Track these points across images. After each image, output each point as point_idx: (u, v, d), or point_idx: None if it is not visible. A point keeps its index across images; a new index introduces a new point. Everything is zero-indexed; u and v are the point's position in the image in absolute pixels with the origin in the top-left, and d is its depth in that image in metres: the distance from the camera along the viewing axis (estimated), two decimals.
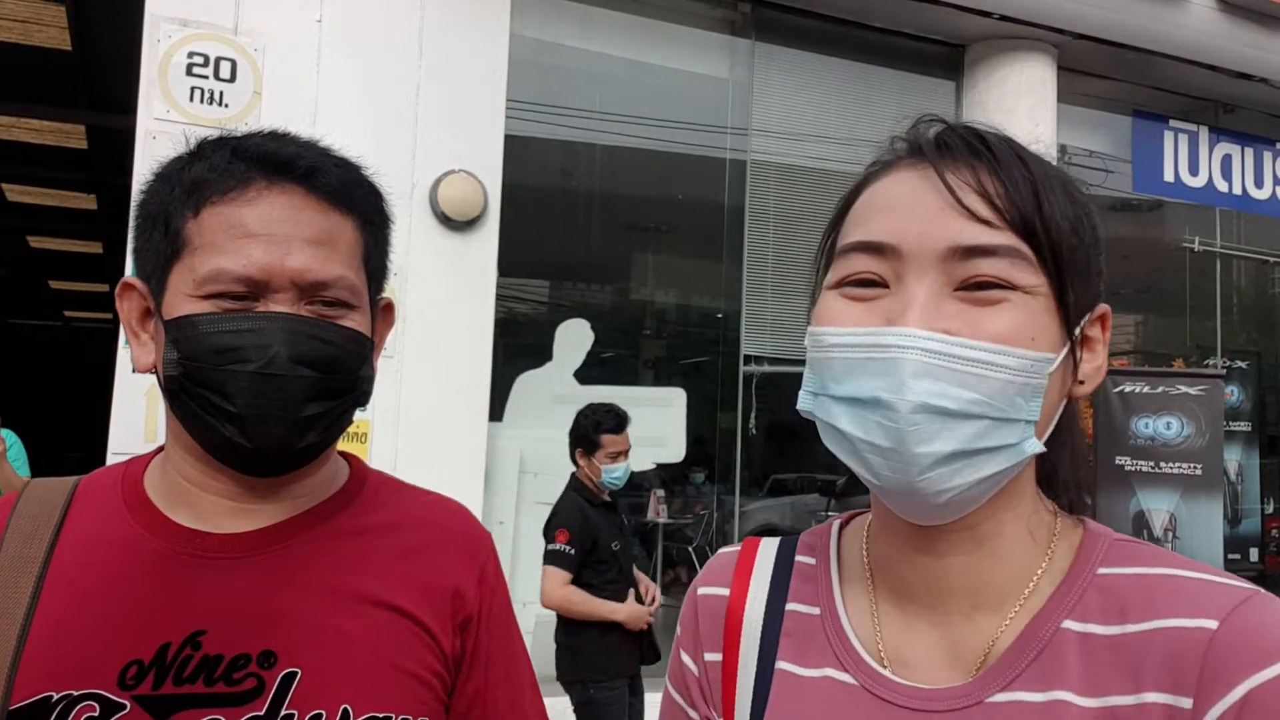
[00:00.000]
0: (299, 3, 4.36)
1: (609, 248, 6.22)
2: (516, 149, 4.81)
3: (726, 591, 0.91)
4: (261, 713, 0.97)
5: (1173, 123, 6.54)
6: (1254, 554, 7.04)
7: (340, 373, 1.00)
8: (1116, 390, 5.92)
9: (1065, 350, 0.77)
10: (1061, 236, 0.76)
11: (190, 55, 4.15)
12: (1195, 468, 5.80)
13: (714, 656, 0.90)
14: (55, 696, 0.94)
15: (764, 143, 5.57)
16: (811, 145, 5.64)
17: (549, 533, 3.75)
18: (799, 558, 0.92)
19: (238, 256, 0.96)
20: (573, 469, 4.09)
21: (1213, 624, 0.71)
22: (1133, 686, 0.72)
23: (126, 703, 0.94)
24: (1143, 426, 5.89)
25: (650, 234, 6.46)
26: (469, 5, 4.65)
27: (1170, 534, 5.81)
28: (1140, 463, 5.86)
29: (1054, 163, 0.82)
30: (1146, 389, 5.92)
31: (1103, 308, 0.82)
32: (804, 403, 0.82)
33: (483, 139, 4.64)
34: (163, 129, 4.07)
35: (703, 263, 6.25)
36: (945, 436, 0.73)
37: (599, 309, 6.21)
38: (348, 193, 1.04)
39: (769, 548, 0.94)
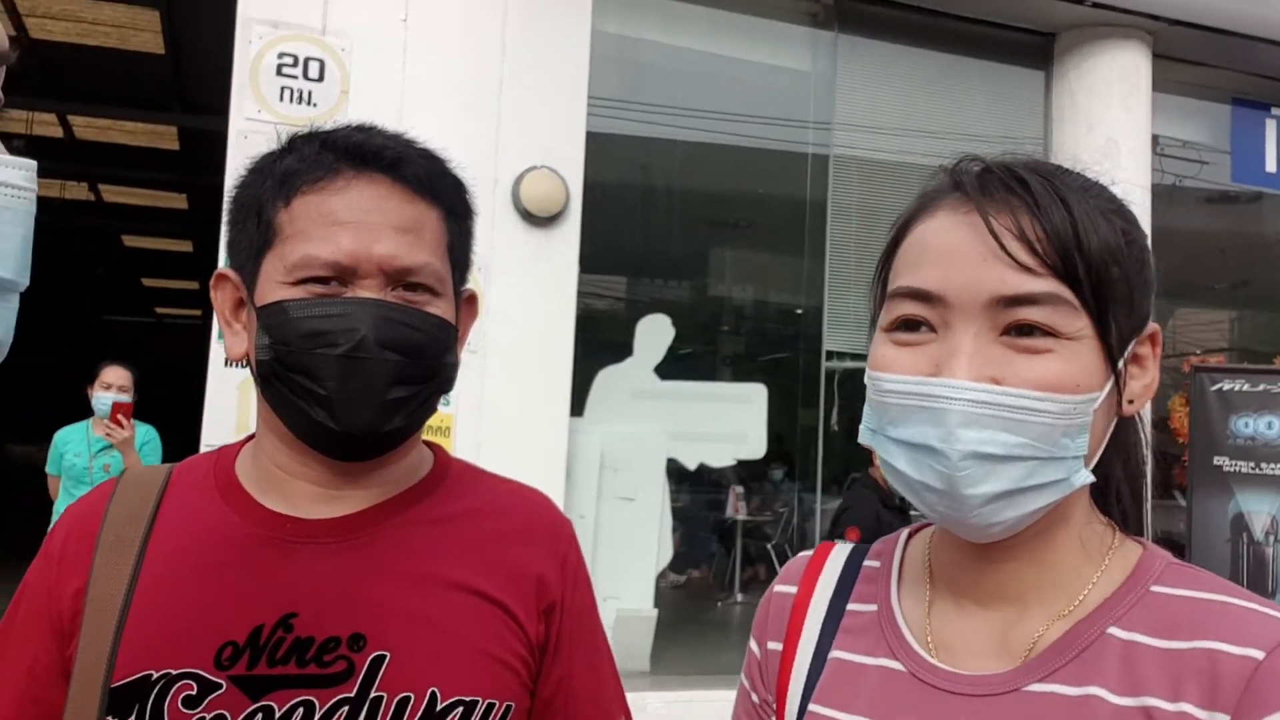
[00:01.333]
0: (385, 3, 4.42)
1: (689, 244, 6.20)
2: (598, 145, 4.82)
3: (795, 589, 0.99)
4: (352, 694, 0.99)
5: (1274, 110, 6.29)
6: None
7: (425, 358, 1.03)
8: (1214, 388, 5.73)
9: (1110, 383, 0.81)
10: (1103, 273, 0.79)
11: (280, 56, 4.24)
12: (1275, 467, 5.59)
13: (775, 645, 0.98)
14: (155, 675, 0.97)
15: (847, 137, 5.49)
16: (896, 139, 5.55)
17: (838, 527, 3.71)
18: (866, 562, 0.99)
19: (327, 243, 0.99)
20: (858, 474, 4.06)
21: (1260, 654, 0.75)
22: (1171, 694, 0.76)
23: (223, 682, 0.97)
24: (1242, 426, 5.69)
25: (731, 230, 6.43)
26: (551, 2, 4.67)
27: (1272, 537, 5.61)
28: (1240, 463, 5.66)
29: (1095, 181, 0.87)
30: (1246, 387, 5.72)
31: (1152, 327, 0.86)
32: (864, 437, 0.88)
33: (565, 135, 4.66)
34: (254, 128, 4.16)
35: (783, 258, 6.20)
36: (994, 479, 0.78)
37: (679, 305, 6.20)
38: (432, 183, 1.06)
39: (840, 553, 1.01)
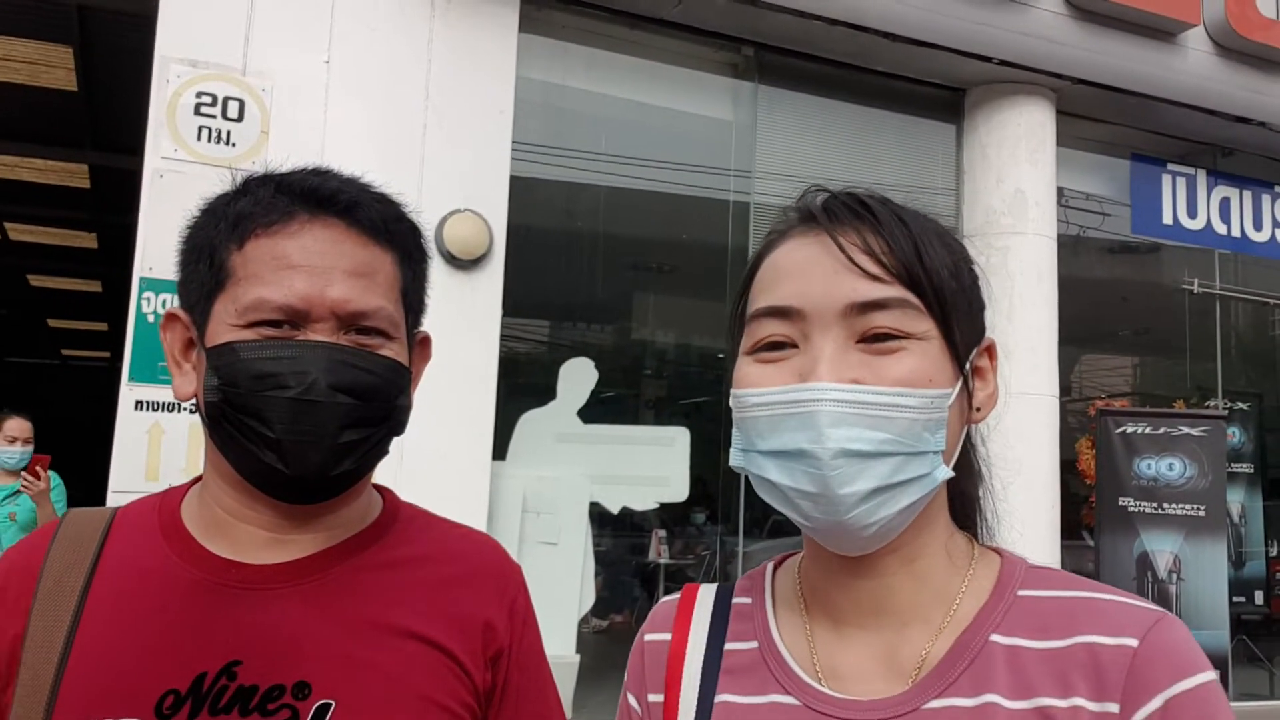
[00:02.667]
0: (307, 44, 4.40)
1: (612, 288, 6.24)
2: (522, 190, 4.84)
3: (668, 636, 0.98)
4: None
5: (1171, 166, 6.60)
6: (1259, 597, 7.01)
7: (377, 401, 1.02)
8: (1119, 431, 5.92)
9: (959, 384, 0.86)
10: (943, 283, 0.85)
11: (199, 95, 4.19)
12: (1199, 509, 5.79)
13: (656, 698, 0.96)
14: None
15: (767, 184, 5.60)
16: None
17: None
18: (736, 599, 0.98)
19: (280, 287, 0.99)
20: None
21: (1133, 642, 0.80)
22: (1062, 691, 0.80)
23: None
24: (1145, 468, 5.89)
25: (653, 274, 6.49)
26: (476, 48, 4.70)
27: (1175, 575, 5.79)
28: (1143, 504, 5.84)
29: (926, 214, 0.92)
30: (1149, 430, 5.92)
31: (988, 340, 0.92)
32: (735, 460, 0.89)
33: (489, 179, 4.67)
34: (170, 167, 4.10)
35: (705, 303, 6.26)
36: (865, 476, 0.81)
37: (601, 348, 6.21)
38: (387, 227, 1.06)
39: (708, 593, 1.00)
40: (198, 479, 1.11)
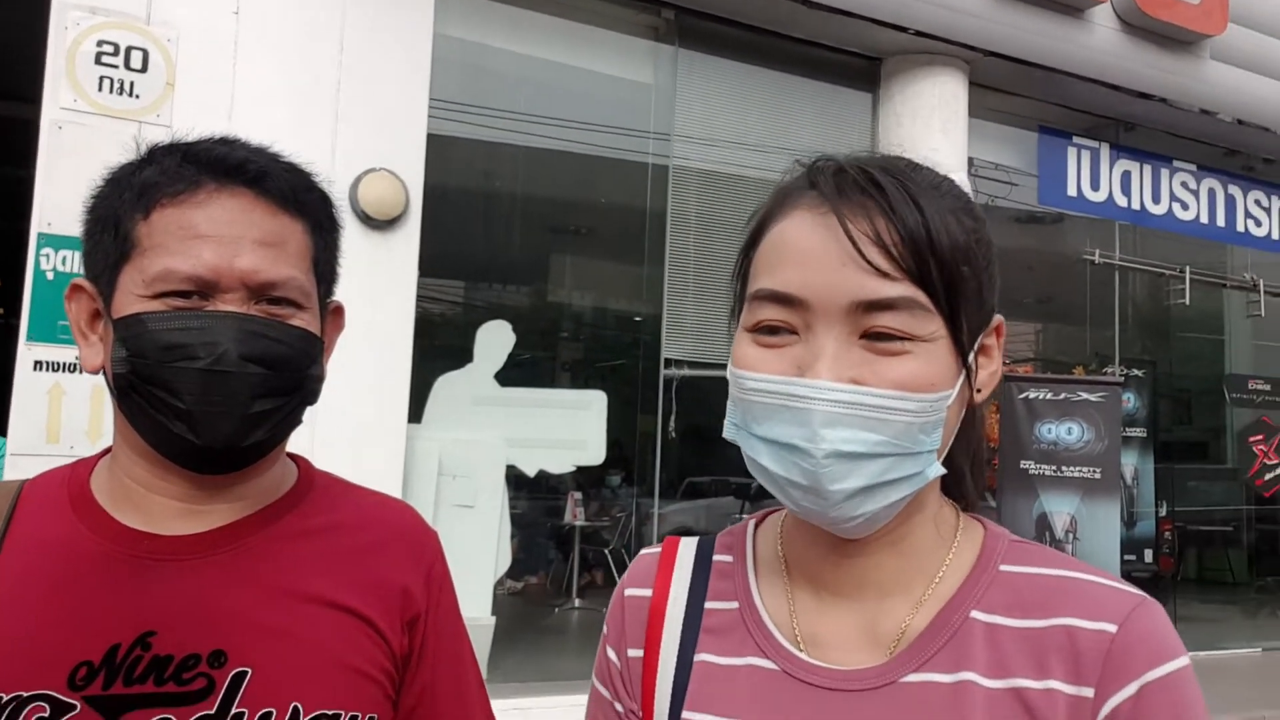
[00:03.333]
0: None
1: (530, 250, 6.21)
2: (439, 149, 4.77)
3: (649, 592, 0.98)
4: (212, 711, 0.98)
5: (1076, 139, 6.78)
6: (1148, 555, 7.34)
7: (288, 370, 1.02)
8: (1021, 396, 6.12)
9: (961, 378, 0.84)
10: (954, 273, 0.82)
11: (99, 44, 4.02)
12: (1095, 471, 6.03)
13: (636, 653, 0.96)
14: (4, 698, 0.94)
15: (686, 148, 5.62)
16: (732, 152, 5.70)
17: None
18: (716, 556, 0.98)
19: (187, 257, 0.98)
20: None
21: (1112, 627, 0.81)
22: (1038, 673, 0.81)
23: (76, 703, 0.95)
24: (1045, 432, 6.10)
25: (571, 237, 6.47)
26: (392, 2, 4.60)
27: (1071, 535, 6.02)
28: (1043, 467, 6.06)
29: (944, 178, 0.89)
30: (1049, 395, 6.13)
31: (997, 319, 0.89)
32: (729, 432, 0.89)
33: (405, 138, 4.59)
34: (69, 119, 3.94)
35: (623, 266, 6.27)
36: (856, 474, 0.81)
37: (518, 311, 6.19)
38: (297, 197, 1.05)
39: (688, 547, 1.00)
40: (107, 450, 1.10)
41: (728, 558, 0.98)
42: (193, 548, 1.03)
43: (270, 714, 0.99)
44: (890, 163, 0.87)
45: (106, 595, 0.99)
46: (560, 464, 5.63)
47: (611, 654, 0.99)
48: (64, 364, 3.81)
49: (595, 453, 5.42)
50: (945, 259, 0.82)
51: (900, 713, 0.83)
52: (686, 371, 5.47)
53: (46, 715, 0.94)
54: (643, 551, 1.04)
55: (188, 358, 0.96)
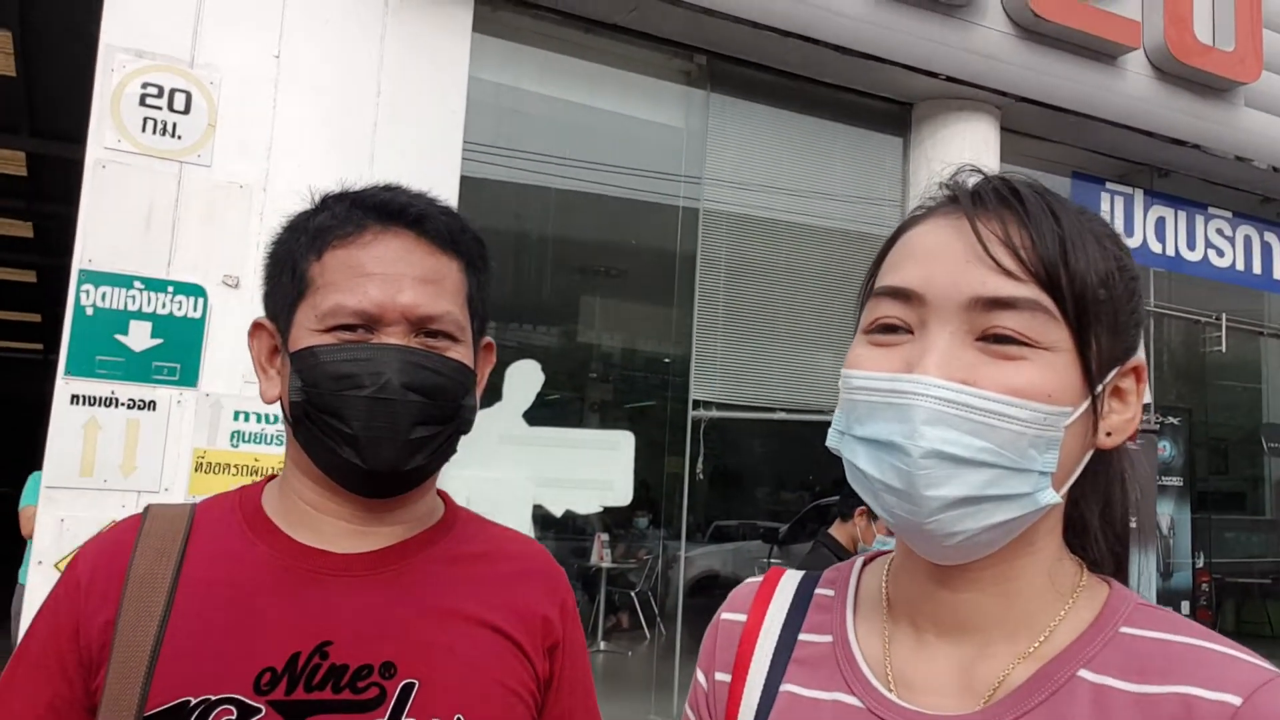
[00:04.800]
0: (257, 38, 4.35)
1: (561, 291, 6.24)
2: (472, 190, 4.83)
3: (744, 617, 0.96)
4: (384, 719, 1.05)
5: (1109, 185, 6.76)
6: (1185, 607, 7.19)
7: (445, 400, 1.10)
8: None
9: (1086, 404, 0.78)
10: (1087, 290, 0.77)
11: (144, 86, 4.11)
12: (1130, 520, 5.93)
13: (724, 677, 0.94)
14: (193, 701, 1.00)
15: (717, 192, 5.65)
16: (763, 195, 5.73)
17: None
18: (819, 590, 0.95)
19: (355, 293, 1.07)
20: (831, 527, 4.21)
21: (1236, 700, 0.72)
22: None
23: (262, 707, 1.01)
24: None
25: (601, 278, 6.50)
26: (429, 46, 4.68)
27: None
28: None
29: (1092, 211, 0.84)
30: None
31: (1136, 360, 0.83)
32: (832, 440, 0.85)
33: (439, 179, 4.65)
34: (113, 158, 4.02)
35: (652, 308, 6.29)
36: (954, 482, 0.75)
37: (549, 351, 6.21)
38: (453, 238, 1.15)
39: (791, 578, 0.98)
40: (270, 477, 1.19)
41: (829, 592, 0.95)
42: (362, 565, 1.10)
43: None
44: (1035, 182, 0.84)
45: (286, 606, 1.06)
46: (587, 504, 5.63)
47: (701, 678, 0.97)
48: (100, 398, 3.86)
49: (623, 493, 5.41)
50: (1080, 272, 0.77)
51: None
52: (715, 414, 5.45)
53: (234, 718, 1.01)
54: (746, 580, 1.02)
55: (355, 387, 1.05)
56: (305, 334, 1.08)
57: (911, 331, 0.80)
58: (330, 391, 1.05)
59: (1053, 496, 0.77)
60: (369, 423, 1.04)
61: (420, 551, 1.14)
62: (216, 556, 1.09)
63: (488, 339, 1.23)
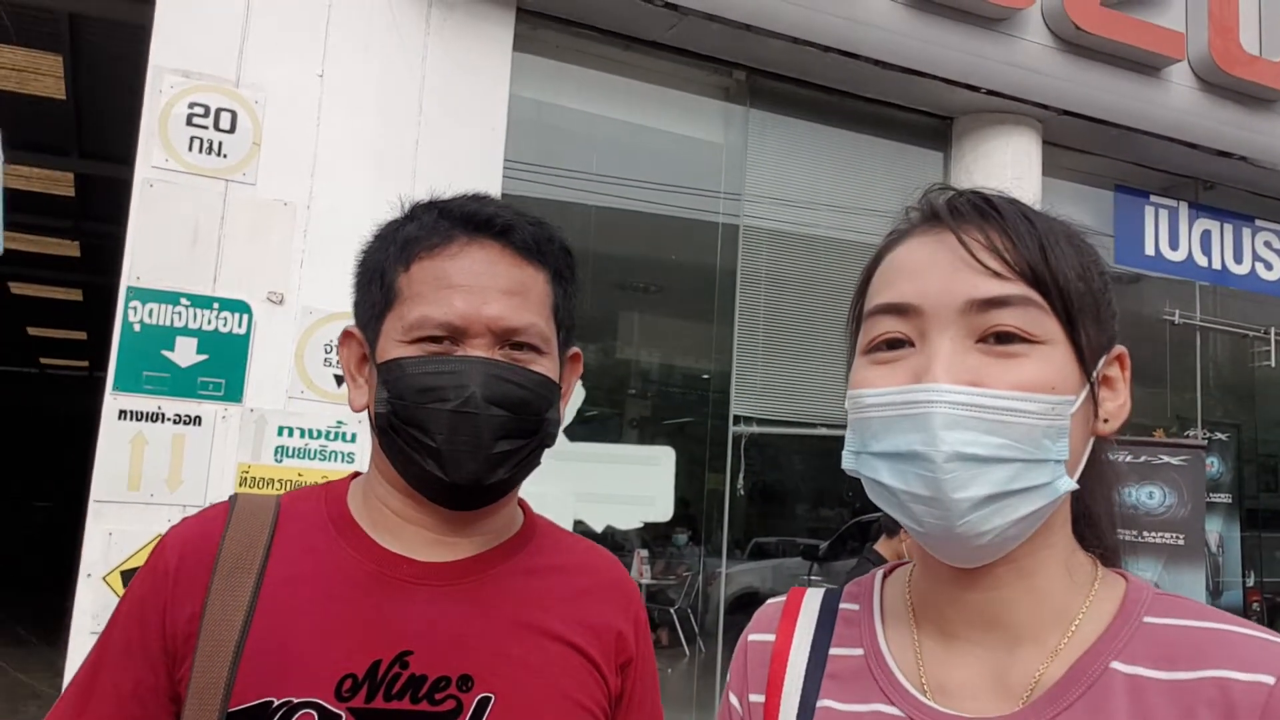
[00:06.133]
0: (301, 57, 4.41)
1: (600, 307, 6.25)
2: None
3: (772, 638, 0.96)
4: None
5: (1153, 198, 6.67)
6: None
7: (528, 414, 1.09)
8: None
9: (1085, 392, 0.82)
10: (1069, 284, 0.81)
11: (191, 106, 4.18)
12: (1178, 538, 5.83)
13: (758, 698, 0.94)
14: (276, 702, 1.00)
15: (757, 208, 5.64)
16: (803, 211, 5.71)
17: None
18: (843, 605, 0.97)
19: (441, 305, 1.07)
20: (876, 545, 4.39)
21: (1270, 679, 0.74)
22: None
23: (342, 714, 1.01)
24: (1126, 495, 5.92)
25: (641, 295, 6.50)
26: (470, 65, 4.72)
27: None
28: (1123, 531, 5.87)
29: (1058, 217, 0.88)
30: (1129, 458, 5.96)
31: (1119, 349, 0.87)
32: (847, 462, 0.87)
33: None
34: (160, 177, 4.09)
35: (692, 324, 6.28)
36: (980, 481, 0.77)
37: (588, 367, 6.20)
38: (540, 248, 1.14)
39: (814, 597, 0.99)
40: (354, 475, 1.20)
41: (854, 606, 0.95)
42: (444, 575, 1.10)
43: None
44: (1004, 193, 0.88)
45: (370, 612, 1.06)
46: (628, 520, 5.61)
47: (734, 700, 0.97)
48: (147, 413, 3.91)
49: (663, 509, 5.39)
50: (1060, 268, 0.81)
51: None
52: (755, 429, 5.43)
53: None
54: (769, 600, 1.02)
55: (439, 400, 1.04)
56: (392, 345, 1.09)
57: (913, 344, 0.83)
58: (414, 404, 1.05)
59: (1070, 483, 0.80)
60: (452, 436, 1.04)
61: (500, 563, 1.14)
62: (302, 553, 1.09)
63: (575, 349, 1.22)
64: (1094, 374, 0.83)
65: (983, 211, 0.83)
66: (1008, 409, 0.77)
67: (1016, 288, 0.80)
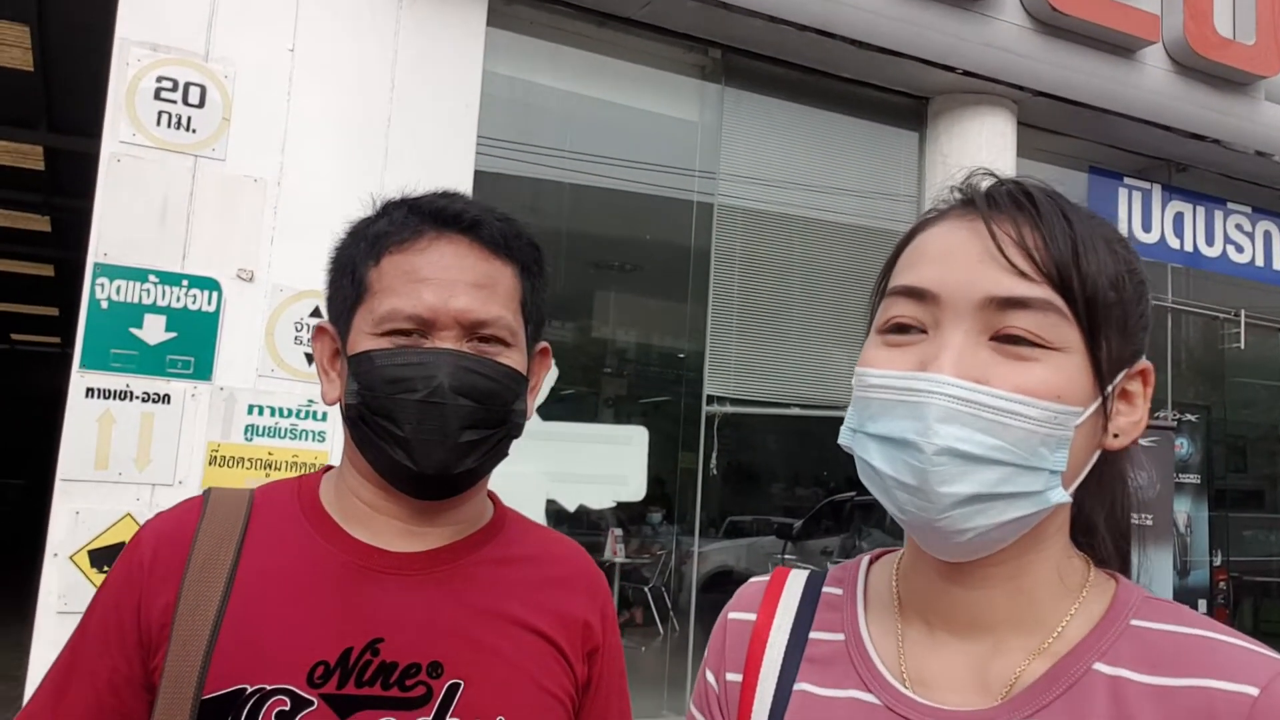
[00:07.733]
0: (272, 31, 4.35)
1: (574, 286, 6.23)
2: (486, 184, 4.82)
3: (753, 617, 0.96)
4: (429, 718, 1.07)
5: (1127, 180, 6.71)
6: (1202, 605, 7.14)
7: (495, 404, 1.11)
8: None
9: (1096, 404, 0.80)
10: (1098, 291, 0.79)
11: (159, 80, 4.12)
12: (1146, 518, 5.87)
13: (735, 677, 0.94)
14: (249, 689, 1.03)
15: (731, 187, 5.63)
16: (778, 191, 5.70)
17: None
18: (826, 589, 0.96)
19: (410, 298, 1.10)
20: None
21: (1254, 690, 0.74)
22: None
23: (314, 700, 1.04)
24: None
25: (615, 273, 6.49)
26: (443, 40, 4.67)
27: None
28: None
29: (1102, 218, 0.86)
30: None
31: (1144, 364, 0.85)
32: (844, 438, 0.86)
33: (453, 173, 4.64)
34: (127, 152, 4.03)
35: (667, 303, 6.27)
36: (967, 479, 0.77)
37: (562, 346, 6.20)
38: (507, 243, 1.16)
39: (797, 578, 0.98)
40: (326, 468, 1.22)
41: (837, 590, 0.95)
42: (414, 565, 1.13)
43: None
44: (1046, 185, 0.85)
45: (341, 601, 1.09)
46: (601, 499, 5.62)
47: (710, 678, 0.97)
48: (115, 391, 3.87)
49: (636, 488, 5.40)
50: (1091, 274, 0.79)
51: None
52: (729, 409, 5.44)
53: (287, 709, 1.03)
54: (751, 579, 1.02)
55: (407, 390, 1.07)
56: (362, 338, 1.11)
57: (926, 331, 0.81)
58: (384, 394, 1.07)
59: (1062, 495, 0.79)
60: (419, 426, 1.06)
61: (470, 553, 1.16)
62: (275, 545, 1.12)
63: (543, 344, 1.24)
64: (1110, 387, 0.80)
65: (1019, 204, 0.81)
66: (1007, 411, 0.76)
67: (1039, 290, 0.78)
